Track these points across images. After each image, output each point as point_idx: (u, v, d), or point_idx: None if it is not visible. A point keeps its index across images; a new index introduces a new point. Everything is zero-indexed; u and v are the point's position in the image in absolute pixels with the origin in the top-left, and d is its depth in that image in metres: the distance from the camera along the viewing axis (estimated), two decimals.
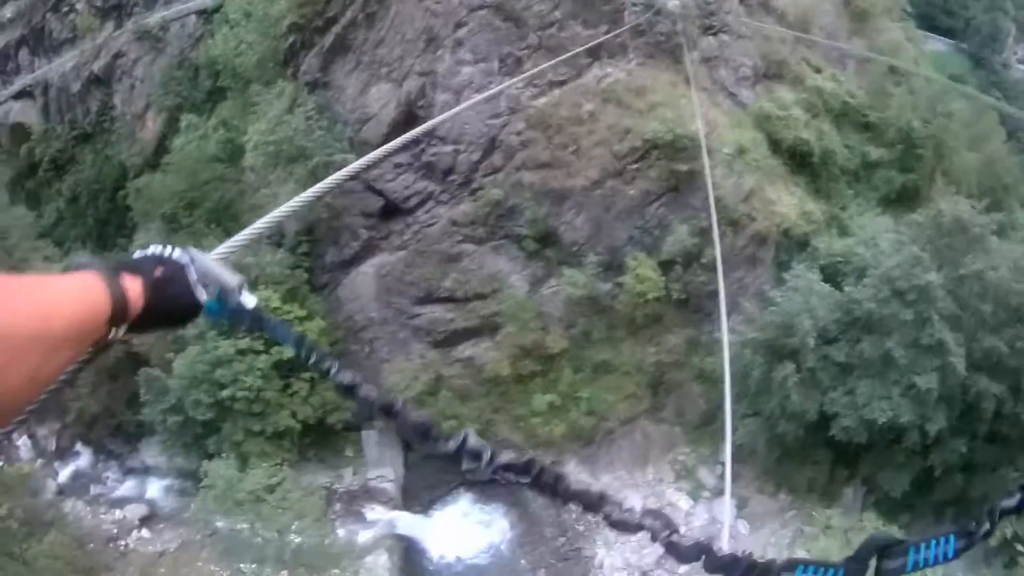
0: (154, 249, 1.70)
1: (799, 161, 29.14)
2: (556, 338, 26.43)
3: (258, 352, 27.57)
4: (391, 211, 27.50)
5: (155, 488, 33.56)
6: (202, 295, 1.66)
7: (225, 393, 27.21)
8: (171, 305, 1.63)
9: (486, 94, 24.10)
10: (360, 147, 27.85)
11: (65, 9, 48.18)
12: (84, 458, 37.61)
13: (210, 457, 27.61)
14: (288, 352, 1.70)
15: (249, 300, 1.72)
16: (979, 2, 48.27)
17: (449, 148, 26.45)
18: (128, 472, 35.16)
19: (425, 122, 26.59)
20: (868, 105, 32.26)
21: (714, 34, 27.99)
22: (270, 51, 32.08)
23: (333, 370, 1.61)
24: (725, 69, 28.07)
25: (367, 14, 28.99)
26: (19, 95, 48.10)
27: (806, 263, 27.14)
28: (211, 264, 1.70)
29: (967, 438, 24.13)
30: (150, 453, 34.52)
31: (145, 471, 34.60)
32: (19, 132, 46.88)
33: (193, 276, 1.66)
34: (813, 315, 24.78)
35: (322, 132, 28.35)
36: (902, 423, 23.11)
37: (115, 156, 43.15)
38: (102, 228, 42.79)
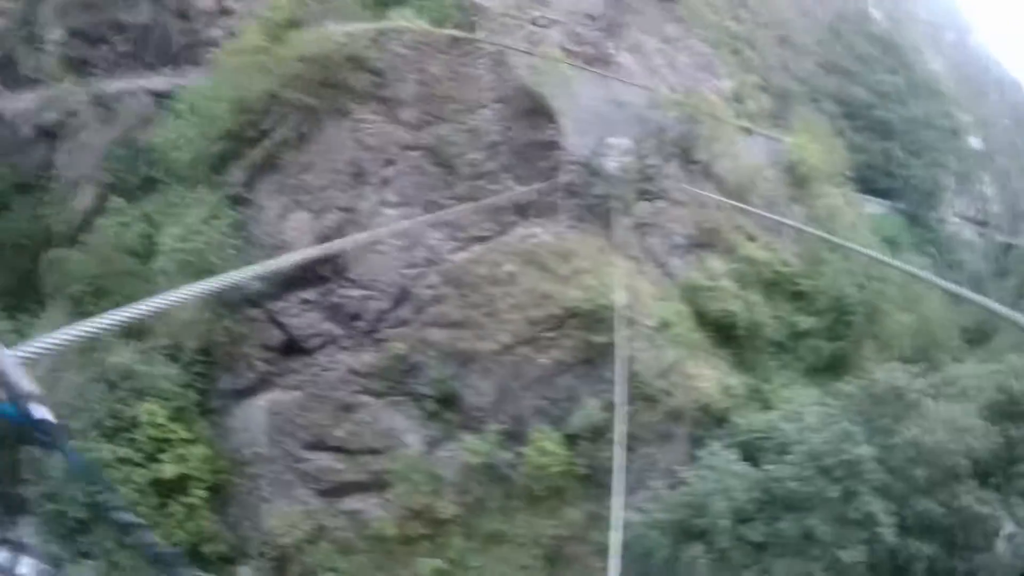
0: None
1: (724, 333, 26.94)
2: (448, 503, 23.52)
3: (137, 464, 24.90)
4: (291, 348, 24.58)
5: (28, 567, 30.68)
6: None
7: (100, 497, 24.24)
8: None
9: (393, 227, 21.77)
10: (268, 275, 25.09)
11: (37, 45, 45.07)
12: None
13: (83, 555, 25.64)
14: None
15: (42, 412, 1.42)
16: (920, 160, 47.49)
17: (359, 292, 23.74)
18: (3, 542, 32.43)
19: (337, 261, 24.35)
20: (802, 273, 30.43)
21: (650, 200, 25.93)
22: (204, 153, 29.33)
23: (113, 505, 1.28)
24: (657, 237, 25.94)
25: (300, 134, 26.48)
26: None
27: (723, 440, 24.83)
28: (7, 361, 1.36)
29: None
30: (27, 531, 31.53)
31: (20, 547, 31.71)
32: None
33: None
34: (728, 495, 22.45)
35: (234, 252, 25.52)
36: None
37: (46, 217, 39.70)
38: (19, 285, 39.16)
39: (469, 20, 27.11)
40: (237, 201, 26.71)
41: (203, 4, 37.05)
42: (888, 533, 20.82)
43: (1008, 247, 63.64)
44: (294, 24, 30.08)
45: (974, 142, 62.37)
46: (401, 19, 27.74)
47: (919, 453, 21.94)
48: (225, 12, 36.23)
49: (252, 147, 27.18)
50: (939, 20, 76.19)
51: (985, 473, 23.25)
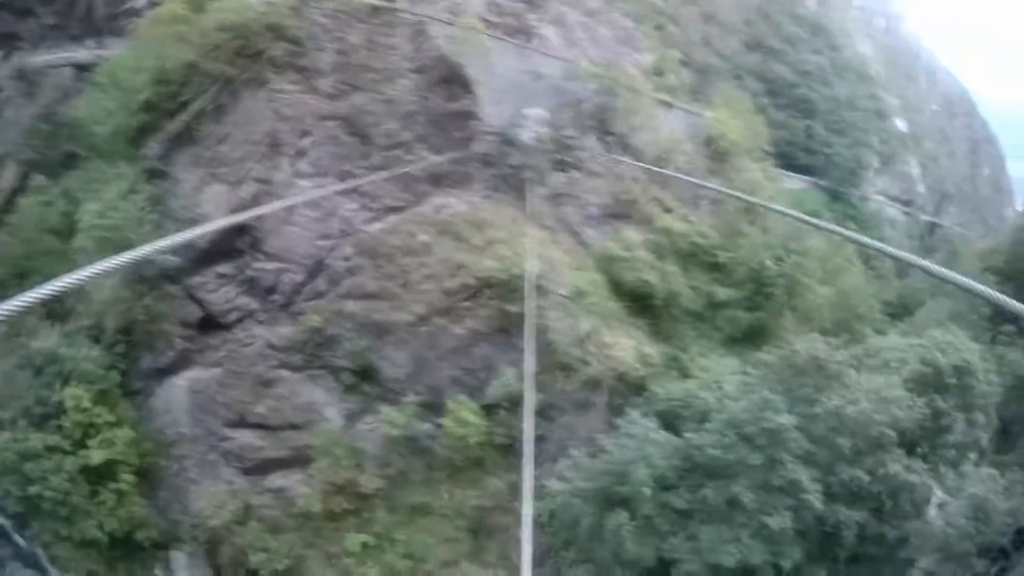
0: None
1: (641, 303, 26.98)
2: (371, 477, 23.24)
3: (66, 452, 24.22)
4: (209, 324, 23.99)
5: None
6: None
7: (33, 490, 23.82)
8: None
9: (305, 196, 21.29)
10: (185, 250, 24.35)
11: None
12: None
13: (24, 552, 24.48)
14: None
15: None
16: (843, 139, 48.06)
17: (273, 265, 23.23)
18: None
19: (254, 233, 23.73)
20: (719, 245, 30.49)
21: (565, 170, 25.80)
22: (124, 126, 28.25)
23: None
24: (572, 207, 25.86)
25: (217, 105, 25.70)
26: None
27: (642, 409, 24.74)
28: None
29: (828, 564, 21.86)
30: None
31: None
32: None
33: None
34: (649, 463, 22.13)
35: (151, 227, 24.70)
36: (753, 564, 20.64)
37: None
38: None
39: None
40: (155, 175, 25.90)
41: None
42: (814, 500, 20.72)
43: (933, 226, 65.20)
44: None
45: (900, 124, 63.42)
46: None
47: (842, 423, 21.86)
48: None
49: (170, 119, 26.32)
50: (871, 6, 77.18)
51: (912, 443, 23.26)
